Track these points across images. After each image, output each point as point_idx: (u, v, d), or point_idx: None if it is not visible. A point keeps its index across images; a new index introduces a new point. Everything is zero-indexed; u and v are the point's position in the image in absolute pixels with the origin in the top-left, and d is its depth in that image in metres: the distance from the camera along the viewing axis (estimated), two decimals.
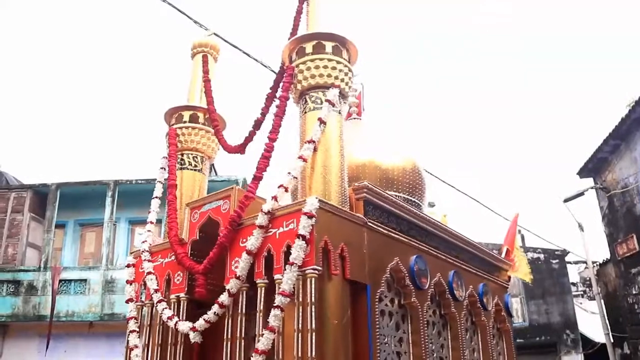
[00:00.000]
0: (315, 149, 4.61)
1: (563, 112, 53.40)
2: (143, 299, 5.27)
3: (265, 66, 8.74)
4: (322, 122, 4.63)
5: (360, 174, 6.32)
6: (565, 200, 14.73)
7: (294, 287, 3.88)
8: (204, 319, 4.35)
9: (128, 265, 5.41)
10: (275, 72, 7.51)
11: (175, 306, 4.81)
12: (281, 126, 4.82)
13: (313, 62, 4.86)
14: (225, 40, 7.71)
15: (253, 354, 3.85)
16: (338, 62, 4.90)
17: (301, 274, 3.89)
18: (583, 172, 15.77)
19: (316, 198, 4.02)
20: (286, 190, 4.37)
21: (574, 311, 16.85)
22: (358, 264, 4.30)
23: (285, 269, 3.89)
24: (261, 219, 4.22)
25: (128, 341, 5.00)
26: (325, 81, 4.83)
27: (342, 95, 4.99)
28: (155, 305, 4.88)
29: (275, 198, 4.30)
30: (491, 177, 51.62)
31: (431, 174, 9.84)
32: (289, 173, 4.42)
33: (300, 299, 3.86)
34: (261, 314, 4.03)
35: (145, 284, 5.11)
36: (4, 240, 12.46)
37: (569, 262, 17.90)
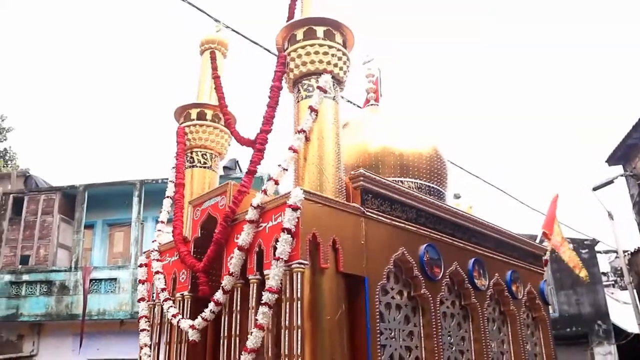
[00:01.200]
0: (307, 139, 4.45)
1: (592, 98, 50.06)
2: (154, 298, 5.32)
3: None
4: (312, 110, 4.46)
5: (378, 161, 6.09)
6: (595, 189, 13.98)
7: (281, 283, 3.75)
8: (201, 317, 4.32)
9: (140, 265, 5.49)
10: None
11: (180, 304, 4.81)
12: (274, 117, 4.69)
13: (304, 48, 4.69)
14: (238, 33, 7.62)
15: (242, 352, 3.76)
16: (330, 47, 4.70)
17: (288, 269, 3.76)
18: (612, 160, 15.24)
19: (301, 189, 3.86)
20: (276, 183, 4.25)
21: (606, 301, 16.35)
22: (354, 256, 4.11)
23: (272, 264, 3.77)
24: (251, 214, 4.12)
25: (140, 340, 5.06)
26: (317, 67, 4.64)
27: (337, 81, 4.78)
28: (161, 304, 4.91)
29: (265, 192, 4.18)
30: (518, 166, 49.24)
31: (455, 164, 9.39)
32: (279, 165, 4.29)
33: (288, 295, 3.73)
34: (253, 311, 3.94)
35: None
36: (35, 241, 12.89)
37: (599, 252, 17.39)
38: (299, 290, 3.68)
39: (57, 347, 12.45)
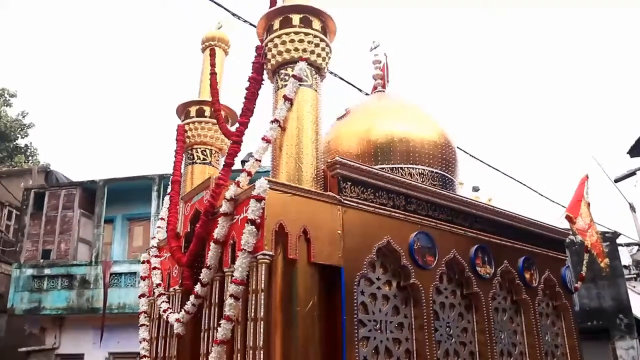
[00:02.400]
0: (283, 128, 4.38)
1: (613, 88, 46.07)
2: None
3: None
4: (287, 99, 4.38)
5: (385, 148, 5.93)
6: (616, 181, 13.12)
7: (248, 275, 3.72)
8: (184, 310, 4.36)
9: (143, 262, 5.62)
10: None
11: (173, 299, 4.89)
12: (252, 109, 4.65)
13: (280, 37, 4.61)
14: (251, 24, 7.50)
15: (213, 344, 3.76)
16: (306, 34, 4.60)
17: (254, 260, 3.72)
18: (634, 151, 14.15)
19: (266, 180, 3.81)
20: (249, 175, 4.21)
21: (627, 295, 15.54)
22: (330, 245, 4.00)
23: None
24: (224, 207, 4.12)
25: (139, 334, 5.19)
26: (292, 56, 4.56)
27: (317, 69, 4.67)
28: (155, 299, 5.01)
29: (237, 184, 4.16)
30: (537, 157, 46.16)
31: (475, 157, 9.00)
32: (252, 156, 4.25)
33: (254, 287, 3.69)
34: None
35: None
36: (56, 236, 13.14)
37: (620, 245, 16.52)
38: (262, 281, 3.63)
39: (79, 340, 12.77)
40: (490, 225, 5.50)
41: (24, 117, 22.39)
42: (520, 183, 10.42)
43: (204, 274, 4.17)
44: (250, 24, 7.28)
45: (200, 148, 6.03)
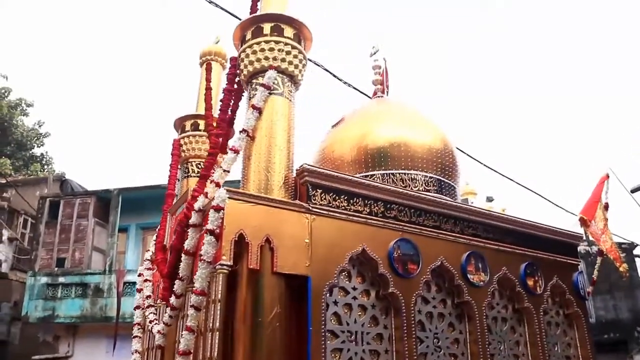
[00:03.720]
0: (252, 138, 4.36)
1: (629, 94, 42.41)
2: None
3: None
4: (255, 108, 4.36)
5: (384, 154, 5.84)
6: (633, 191, 12.16)
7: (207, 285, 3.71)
8: (163, 322, 4.40)
9: (139, 275, 5.73)
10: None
11: (159, 311, 4.95)
12: (226, 121, 4.67)
13: (251, 47, 4.62)
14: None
15: (176, 355, 3.76)
16: (277, 42, 4.58)
17: (214, 271, 3.70)
18: None
19: (225, 190, 3.80)
20: (217, 185, 4.21)
21: None
22: (295, 255, 3.93)
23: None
24: (194, 218, 4.13)
25: (132, 346, 5.28)
26: (263, 65, 4.55)
27: (289, 76, 4.64)
28: (144, 310, 5.09)
29: (206, 195, 4.17)
30: (552, 167, 43.17)
31: (488, 166, 8.63)
32: (220, 167, 4.25)
33: (212, 297, 3.67)
34: None
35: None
36: (71, 244, 13.15)
37: (637, 256, 15.49)
38: (219, 292, 3.61)
39: (92, 348, 12.77)
40: (485, 231, 5.24)
41: (40, 126, 22.63)
42: (536, 193, 9.93)
43: (177, 286, 4.19)
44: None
45: (195, 161, 6.12)
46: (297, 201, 4.16)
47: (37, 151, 22.39)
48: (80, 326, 13.19)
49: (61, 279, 13.02)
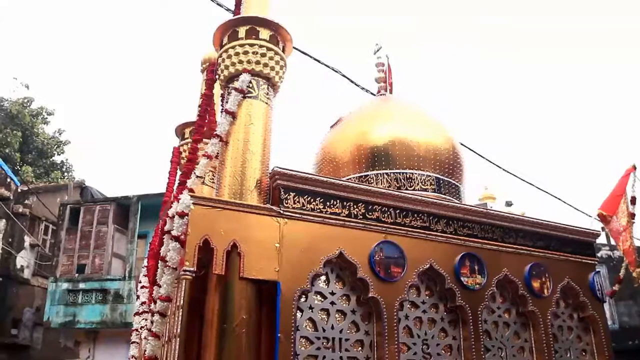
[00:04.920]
0: (226, 142, 4.33)
1: None
2: None
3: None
4: (228, 113, 4.33)
5: (385, 153, 5.69)
6: None
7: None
8: (146, 328, 4.44)
9: (139, 282, 5.83)
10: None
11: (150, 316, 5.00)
12: (204, 126, 4.66)
13: (227, 52, 4.60)
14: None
15: None
16: (251, 45, 4.54)
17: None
18: None
19: (189, 195, 3.78)
20: (191, 191, 4.19)
21: None
22: (264, 260, 3.85)
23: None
24: (168, 224, 4.14)
25: (129, 352, 5.37)
26: (237, 69, 4.51)
27: (265, 78, 4.58)
28: (139, 315, 5.16)
29: (178, 201, 4.17)
30: (567, 167, 39.72)
31: (507, 170, 8.19)
32: (194, 173, 4.25)
33: (177, 303, 3.65)
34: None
35: None
36: (91, 251, 13.24)
37: None
38: (182, 298, 3.58)
39: (112, 354, 12.89)
40: (483, 230, 4.97)
41: (60, 134, 22.81)
42: (556, 197, 9.33)
43: (155, 292, 4.21)
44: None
45: None
46: (267, 205, 4.08)
47: (57, 159, 22.61)
48: (100, 332, 13.37)
49: (82, 285, 13.22)
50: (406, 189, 5.41)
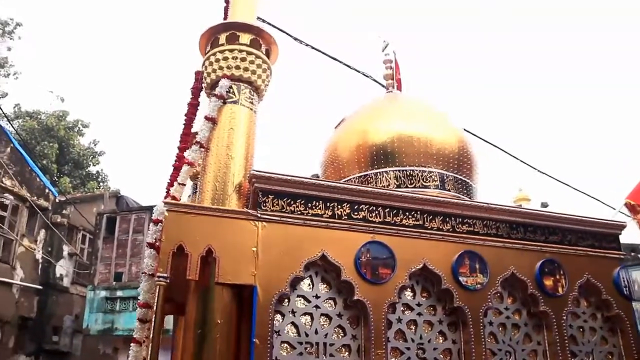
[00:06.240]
0: (207, 149, 4.35)
1: None
2: None
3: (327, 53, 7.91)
4: (207, 119, 4.36)
5: (393, 150, 5.55)
6: None
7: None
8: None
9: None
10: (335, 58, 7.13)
11: None
12: (189, 134, 4.71)
13: (209, 59, 4.66)
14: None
15: None
16: (231, 51, 4.56)
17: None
18: None
19: (164, 202, 3.83)
20: (174, 199, 4.24)
21: None
22: (240, 264, 3.82)
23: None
24: (151, 237, 4.19)
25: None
26: (218, 75, 4.55)
27: (247, 82, 4.58)
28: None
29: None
30: (592, 162, 35.38)
31: (541, 171, 7.68)
32: (176, 181, 4.30)
33: (154, 309, 3.69)
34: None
35: None
36: (127, 259, 13.30)
37: None
38: (156, 303, 3.62)
39: None
40: (485, 227, 4.69)
41: (95, 145, 23.16)
42: (593, 198, 8.63)
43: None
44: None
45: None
46: (244, 209, 4.05)
47: (93, 169, 23.00)
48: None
49: (119, 293, 13.33)
50: (406, 187, 5.22)
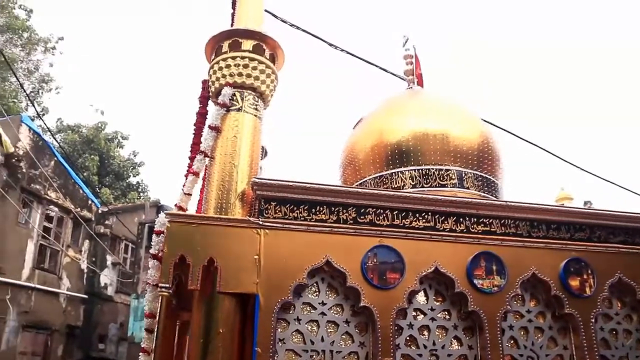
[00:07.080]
0: (212, 158, 4.38)
1: None
2: None
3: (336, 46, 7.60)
4: (211, 128, 4.38)
5: (414, 148, 5.43)
6: None
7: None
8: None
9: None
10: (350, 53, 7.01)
11: None
12: (198, 144, 4.74)
13: (212, 68, 4.68)
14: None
15: None
16: (233, 58, 4.56)
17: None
18: None
19: (166, 214, 3.88)
20: (181, 209, 4.30)
21: None
22: (242, 273, 3.81)
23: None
24: (154, 249, 4.24)
25: None
26: (221, 83, 4.56)
27: (250, 89, 4.57)
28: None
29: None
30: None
31: (586, 170, 7.20)
32: (182, 190, 4.35)
33: (157, 319, 3.76)
34: None
35: None
36: None
37: None
38: (159, 314, 3.68)
39: None
40: (503, 226, 4.46)
41: (134, 156, 23.75)
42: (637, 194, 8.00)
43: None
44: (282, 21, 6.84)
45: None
46: (245, 217, 4.05)
47: (133, 180, 23.52)
48: None
49: None
50: (422, 187, 5.06)
